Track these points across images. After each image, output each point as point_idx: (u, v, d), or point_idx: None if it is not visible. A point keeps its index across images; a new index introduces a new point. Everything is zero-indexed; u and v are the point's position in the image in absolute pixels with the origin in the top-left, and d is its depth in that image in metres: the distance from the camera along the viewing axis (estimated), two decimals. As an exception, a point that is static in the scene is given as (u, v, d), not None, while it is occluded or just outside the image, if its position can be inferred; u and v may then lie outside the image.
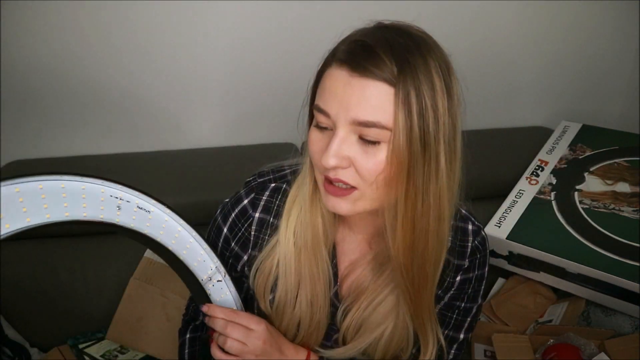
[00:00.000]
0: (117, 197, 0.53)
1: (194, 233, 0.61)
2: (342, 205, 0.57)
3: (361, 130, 0.53)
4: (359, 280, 0.68)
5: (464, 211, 0.70)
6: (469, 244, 0.69)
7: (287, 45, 1.15)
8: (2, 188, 0.46)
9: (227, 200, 0.69)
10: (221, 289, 0.66)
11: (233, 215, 0.67)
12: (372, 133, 0.53)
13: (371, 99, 0.52)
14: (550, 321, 1.02)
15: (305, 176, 0.63)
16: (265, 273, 0.66)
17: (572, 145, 1.18)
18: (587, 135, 1.20)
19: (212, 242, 0.70)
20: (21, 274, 1.01)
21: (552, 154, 1.17)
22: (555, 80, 1.35)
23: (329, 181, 0.56)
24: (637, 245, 0.93)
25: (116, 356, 1.00)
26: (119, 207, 0.53)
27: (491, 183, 1.18)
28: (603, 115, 1.38)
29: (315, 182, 0.62)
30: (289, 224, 0.65)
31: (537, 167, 1.15)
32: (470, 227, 0.70)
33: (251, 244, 0.68)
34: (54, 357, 0.99)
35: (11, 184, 0.46)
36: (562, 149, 1.18)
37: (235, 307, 0.67)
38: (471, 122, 1.40)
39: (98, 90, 1.13)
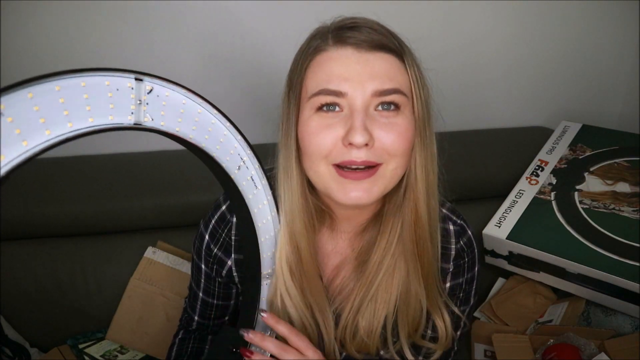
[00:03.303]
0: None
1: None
2: (361, 195, 0.55)
3: (382, 99, 0.54)
4: (344, 283, 0.68)
5: (444, 210, 0.69)
6: (453, 246, 0.68)
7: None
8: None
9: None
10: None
11: (213, 221, 0.68)
12: (392, 99, 0.55)
13: (387, 68, 0.54)
14: (550, 321, 1.02)
15: (292, 179, 0.60)
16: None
17: (572, 145, 1.18)
18: (587, 135, 1.20)
19: (196, 249, 0.70)
20: (21, 274, 1.01)
21: (552, 154, 1.17)
22: (556, 80, 1.35)
23: (341, 169, 0.55)
24: (637, 245, 0.93)
25: (116, 356, 1.00)
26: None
27: (491, 183, 1.18)
28: (603, 115, 1.38)
29: (304, 184, 0.60)
30: (280, 250, 0.63)
31: (537, 167, 1.15)
32: (451, 227, 0.68)
33: (233, 249, 0.67)
34: (54, 357, 0.98)
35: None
36: (562, 149, 1.18)
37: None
38: (471, 122, 1.42)
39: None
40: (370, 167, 0.55)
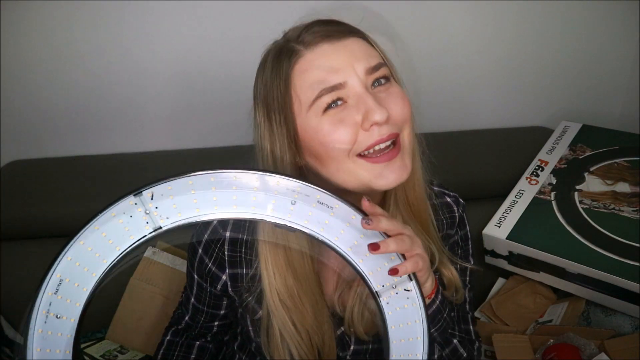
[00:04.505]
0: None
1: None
2: (400, 173, 0.56)
3: (374, 76, 0.57)
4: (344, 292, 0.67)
5: (435, 188, 0.73)
6: (456, 214, 0.74)
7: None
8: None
9: None
10: (407, 297, 0.57)
11: (205, 235, 0.67)
12: (382, 72, 0.57)
13: (363, 48, 0.57)
14: (550, 321, 1.02)
15: None
16: (278, 349, 0.65)
17: (572, 145, 1.18)
18: (587, 135, 1.20)
19: (189, 260, 0.70)
20: (21, 274, 1.01)
21: (552, 154, 1.17)
22: (556, 80, 1.35)
23: (369, 157, 0.56)
24: (637, 245, 0.93)
25: (116, 356, 1.00)
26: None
27: (491, 183, 1.18)
28: (603, 115, 1.38)
29: None
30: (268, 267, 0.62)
31: (537, 167, 1.15)
32: (449, 199, 0.74)
33: (227, 264, 0.67)
34: (54, 357, 0.98)
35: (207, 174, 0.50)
36: (562, 149, 1.18)
37: (420, 318, 0.57)
38: (471, 122, 1.42)
39: (98, 90, 1.13)
40: (393, 144, 0.57)
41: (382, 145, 0.56)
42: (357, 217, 0.54)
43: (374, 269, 0.56)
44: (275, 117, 0.58)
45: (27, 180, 1.06)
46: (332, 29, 0.57)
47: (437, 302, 0.62)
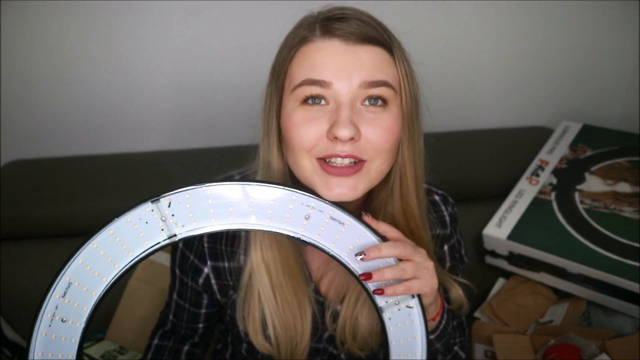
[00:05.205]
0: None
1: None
2: (346, 191, 0.54)
3: (369, 92, 0.53)
4: (336, 280, 0.67)
5: (425, 185, 0.70)
6: (445, 213, 0.73)
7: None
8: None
9: None
10: (409, 314, 0.58)
11: None
12: (380, 92, 0.53)
13: (375, 61, 0.54)
14: (551, 321, 1.02)
15: (273, 171, 0.60)
16: (254, 314, 0.65)
17: (573, 145, 1.18)
18: (588, 135, 1.19)
19: (172, 258, 0.70)
20: (21, 274, 1.01)
21: (553, 154, 1.17)
22: (556, 80, 1.35)
23: (325, 164, 0.54)
24: (638, 245, 0.93)
25: (116, 357, 0.99)
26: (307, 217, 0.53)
27: (491, 183, 1.18)
28: (603, 115, 1.38)
29: (286, 175, 0.60)
30: (256, 251, 0.62)
31: (537, 167, 1.15)
32: (436, 197, 0.73)
33: (208, 256, 0.67)
34: (54, 358, 0.98)
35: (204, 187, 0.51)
36: (562, 149, 1.18)
37: (420, 335, 0.59)
38: (471, 122, 1.42)
39: (98, 90, 1.13)
40: (354, 163, 0.54)
41: (342, 160, 0.54)
42: (366, 234, 0.54)
43: (379, 286, 0.56)
44: (273, 86, 0.58)
45: (27, 180, 1.06)
46: (356, 31, 0.53)
47: (443, 322, 0.62)
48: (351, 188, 0.54)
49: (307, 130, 0.53)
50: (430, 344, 0.59)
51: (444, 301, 0.63)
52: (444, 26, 1.22)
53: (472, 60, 1.27)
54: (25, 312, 1.02)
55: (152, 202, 0.50)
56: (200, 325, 0.75)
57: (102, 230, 0.49)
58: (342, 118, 0.51)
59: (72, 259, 0.49)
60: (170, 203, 0.50)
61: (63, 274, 0.49)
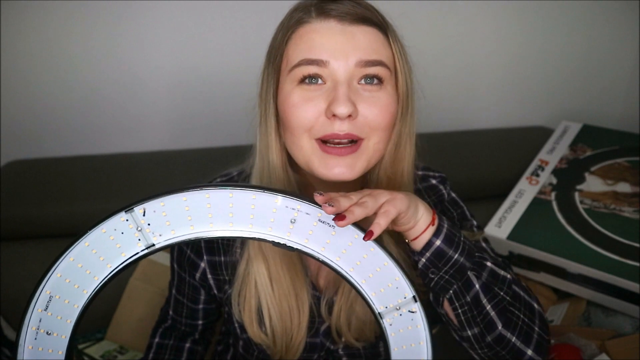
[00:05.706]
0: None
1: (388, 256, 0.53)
2: (344, 170, 0.54)
3: (365, 71, 0.54)
4: (333, 273, 0.67)
5: (420, 172, 0.72)
6: (444, 191, 0.72)
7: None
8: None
9: None
10: (412, 319, 0.55)
11: None
12: (376, 71, 0.54)
13: (371, 41, 0.55)
14: (551, 322, 1.02)
15: (272, 154, 0.59)
16: (249, 304, 0.65)
17: (573, 145, 1.18)
18: (588, 135, 1.19)
19: (171, 255, 0.71)
20: (21, 274, 1.01)
21: (553, 154, 1.17)
22: (556, 80, 1.35)
23: (324, 145, 0.54)
24: (638, 245, 0.93)
25: (115, 357, 0.99)
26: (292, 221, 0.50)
27: (491, 183, 1.18)
28: (603, 115, 1.38)
29: (284, 158, 0.60)
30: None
31: (537, 167, 1.15)
32: (434, 181, 0.72)
33: (204, 250, 0.67)
34: (54, 358, 0.98)
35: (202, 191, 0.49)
36: (562, 149, 1.18)
37: (425, 339, 0.56)
38: (472, 122, 1.42)
39: (98, 90, 1.13)
40: (353, 142, 0.55)
41: (337, 141, 0.54)
42: (359, 236, 0.52)
43: (377, 290, 0.54)
44: (269, 68, 0.58)
45: (27, 180, 1.06)
46: (351, 11, 0.54)
47: (445, 224, 0.56)
48: (349, 167, 0.55)
49: (305, 109, 0.54)
50: (441, 253, 0.54)
51: (435, 210, 0.58)
52: (445, 26, 1.23)
53: (472, 60, 1.27)
54: (25, 312, 1.03)
55: (125, 211, 0.48)
56: (200, 322, 0.75)
57: (76, 243, 0.48)
58: (340, 95, 0.52)
59: (49, 273, 0.48)
60: (144, 212, 0.48)
61: (42, 288, 0.48)
